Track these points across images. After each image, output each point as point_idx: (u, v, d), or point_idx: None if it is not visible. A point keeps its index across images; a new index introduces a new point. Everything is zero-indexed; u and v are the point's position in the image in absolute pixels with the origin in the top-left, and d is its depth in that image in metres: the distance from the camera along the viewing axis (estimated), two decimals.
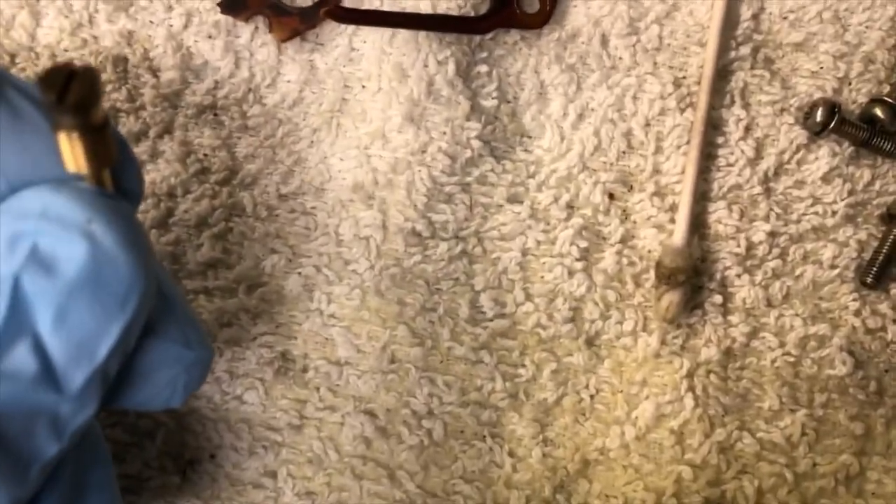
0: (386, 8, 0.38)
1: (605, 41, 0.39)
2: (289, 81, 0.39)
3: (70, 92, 0.21)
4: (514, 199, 0.39)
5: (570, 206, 0.39)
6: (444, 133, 0.38)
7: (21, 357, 0.22)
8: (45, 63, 0.38)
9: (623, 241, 0.39)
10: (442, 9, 0.38)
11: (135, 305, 0.22)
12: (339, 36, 0.39)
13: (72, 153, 0.22)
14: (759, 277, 0.39)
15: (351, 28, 0.39)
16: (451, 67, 0.38)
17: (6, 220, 0.22)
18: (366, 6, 0.38)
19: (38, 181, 0.23)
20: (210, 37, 0.38)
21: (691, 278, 0.38)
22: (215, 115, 0.38)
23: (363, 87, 0.39)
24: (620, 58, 0.39)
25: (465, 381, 0.39)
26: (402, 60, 0.38)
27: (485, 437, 0.39)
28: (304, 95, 0.39)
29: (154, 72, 0.38)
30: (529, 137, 0.39)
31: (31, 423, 0.22)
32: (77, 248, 0.22)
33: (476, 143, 0.38)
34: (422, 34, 0.38)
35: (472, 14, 0.38)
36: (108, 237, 0.22)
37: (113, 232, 0.22)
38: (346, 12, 0.37)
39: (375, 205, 0.38)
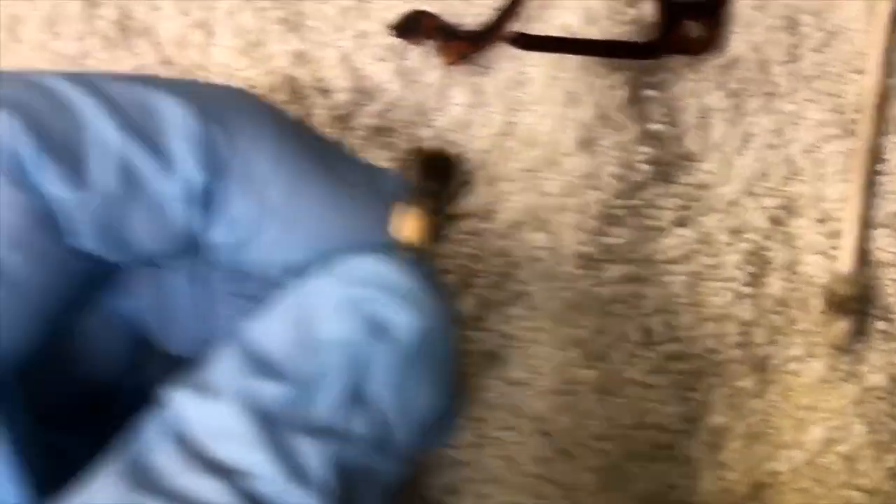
0: (563, 35, 0.38)
1: (765, 67, 0.40)
2: (456, 104, 0.39)
3: (440, 178, 0.22)
4: (680, 223, 0.39)
5: (735, 231, 0.39)
6: (615, 157, 0.38)
7: (357, 422, 0.22)
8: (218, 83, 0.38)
9: (788, 266, 0.39)
10: (611, 35, 0.39)
11: (452, 370, 0.23)
12: (505, 60, 0.39)
13: (411, 226, 0.23)
14: None
15: (517, 53, 0.39)
16: (621, 92, 0.38)
17: (336, 285, 0.22)
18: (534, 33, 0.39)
19: (365, 246, 0.23)
20: (381, 59, 0.39)
21: (862, 305, 0.38)
22: (386, 137, 0.38)
23: (531, 110, 0.39)
24: (780, 84, 0.40)
25: (640, 404, 0.38)
26: (573, 85, 0.38)
27: (659, 460, 0.38)
28: (471, 118, 0.39)
29: (325, 93, 0.38)
30: (693, 162, 0.40)
31: (367, 487, 0.22)
32: (408, 317, 0.22)
33: (645, 167, 0.38)
34: (594, 60, 0.38)
35: (641, 40, 0.39)
36: (432, 307, 0.23)
37: (437, 302, 0.23)
38: (530, 39, 0.37)
39: (547, 227, 0.38)
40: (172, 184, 0.21)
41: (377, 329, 0.22)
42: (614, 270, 0.38)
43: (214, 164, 0.21)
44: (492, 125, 0.39)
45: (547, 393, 0.38)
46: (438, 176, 0.22)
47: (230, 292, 0.26)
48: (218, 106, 0.22)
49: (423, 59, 0.39)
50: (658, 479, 0.38)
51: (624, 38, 0.38)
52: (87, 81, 0.21)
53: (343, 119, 0.38)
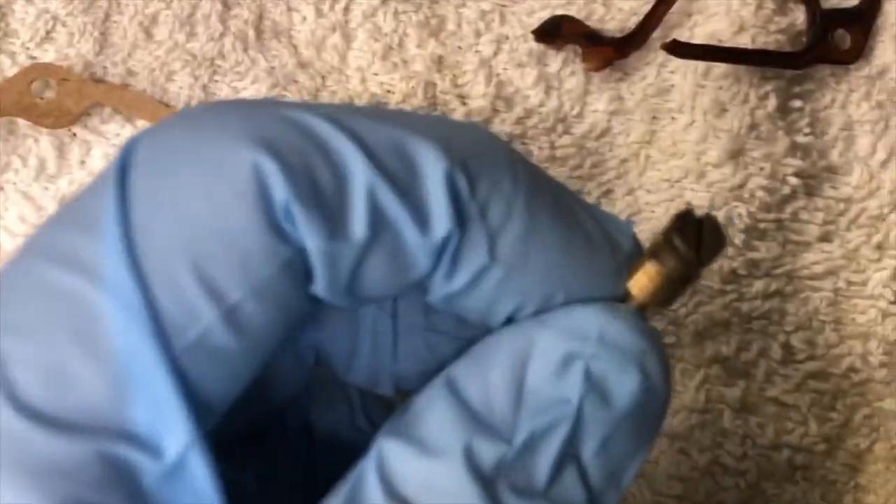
0: (712, 43, 0.37)
1: None
2: (595, 111, 0.38)
3: (703, 247, 0.21)
4: (824, 238, 0.38)
5: (880, 247, 0.38)
6: (763, 169, 0.37)
7: (569, 482, 0.21)
8: (355, 86, 0.37)
9: None
10: (760, 43, 0.37)
11: (656, 434, 0.22)
12: (646, 66, 0.38)
13: (645, 285, 0.22)
14: None
15: (660, 59, 0.38)
16: (771, 102, 0.37)
17: (560, 338, 0.21)
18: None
19: (592, 299, 0.22)
20: (520, 65, 0.38)
21: None
22: (524, 144, 0.38)
23: (673, 118, 0.38)
24: None
25: (779, 423, 0.37)
26: (721, 94, 0.37)
27: (797, 481, 0.37)
28: (611, 126, 0.38)
29: (463, 99, 0.37)
30: (838, 175, 0.38)
31: None
32: (632, 379, 0.21)
33: (793, 180, 0.37)
34: (741, 68, 0.37)
35: (789, 49, 0.38)
36: (656, 370, 0.21)
37: (661, 366, 0.21)
38: (684, 47, 0.36)
39: None
40: (425, 238, 0.20)
41: (599, 390, 0.21)
42: (758, 286, 0.37)
43: (460, 214, 0.20)
44: (633, 133, 0.38)
45: (686, 410, 0.37)
46: (691, 239, 0.20)
47: (417, 325, 0.25)
48: (464, 148, 0.21)
49: (563, 65, 0.38)
50: (796, 501, 0.37)
51: (772, 46, 0.37)
52: (344, 121, 0.20)
53: (481, 126, 0.37)
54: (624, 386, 0.21)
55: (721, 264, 0.37)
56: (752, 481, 0.37)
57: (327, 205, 0.19)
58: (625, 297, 0.22)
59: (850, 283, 0.38)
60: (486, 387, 0.21)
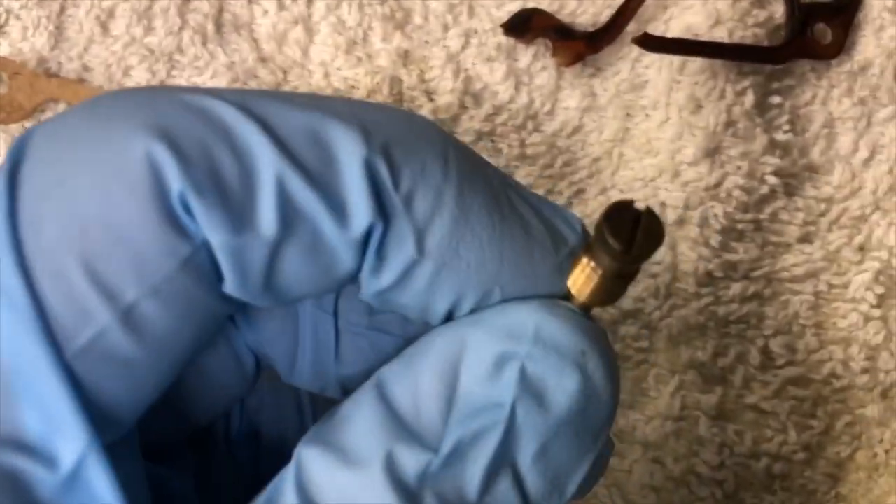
0: (687, 36, 0.36)
1: None
2: (567, 108, 0.37)
3: (636, 242, 0.19)
4: (804, 239, 0.37)
5: (862, 249, 0.37)
6: (740, 167, 0.36)
7: (504, 491, 0.19)
8: (317, 81, 0.36)
9: None
10: (737, 37, 0.36)
11: (604, 439, 0.21)
12: (620, 61, 0.37)
13: (584, 284, 0.20)
14: None
15: (634, 53, 0.37)
16: (749, 98, 0.36)
17: (493, 338, 0.20)
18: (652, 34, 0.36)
19: (528, 298, 0.20)
20: (489, 59, 0.36)
21: None
22: (493, 141, 0.36)
23: (647, 115, 0.37)
24: None
25: (757, 431, 0.36)
26: (696, 90, 0.36)
27: (776, 490, 0.36)
28: (583, 123, 0.37)
29: (430, 95, 0.36)
30: (819, 174, 0.37)
31: None
32: (570, 380, 0.20)
33: (772, 179, 0.36)
34: (717, 63, 0.36)
35: (768, 43, 0.36)
36: (598, 372, 0.20)
37: (604, 366, 0.20)
38: (656, 41, 0.35)
39: (665, 241, 0.36)
40: (344, 231, 0.19)
41: (535, 393, 0.19)
42: (735, 288, 0.36)
43: (382, 206, 0.19)
44: (606, 130, 0.37)
45: (660, 418, 0.36)
46: (623, 233, 0.19)
47: (360, 324, 0.24)
48: (388, 134, 0.19)
49: (534, 59, 0.36)
50: None
51: (750, 40, 0.36)
52: (254, 107, 0.18)
53: (448, 123, 0.36)
54: (561, 388, 0.19)
55: (697, 266, 0.36)
56: (729, 491, 0.36)
57: (231, 196, 0.18)
58: (567, 295, 0.21)
59: (830, 285, 0.37)
60: (415, 391, 0.20)
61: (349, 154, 0.18)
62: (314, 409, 0.27)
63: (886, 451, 0.37)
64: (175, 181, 0.17)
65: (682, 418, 0.36)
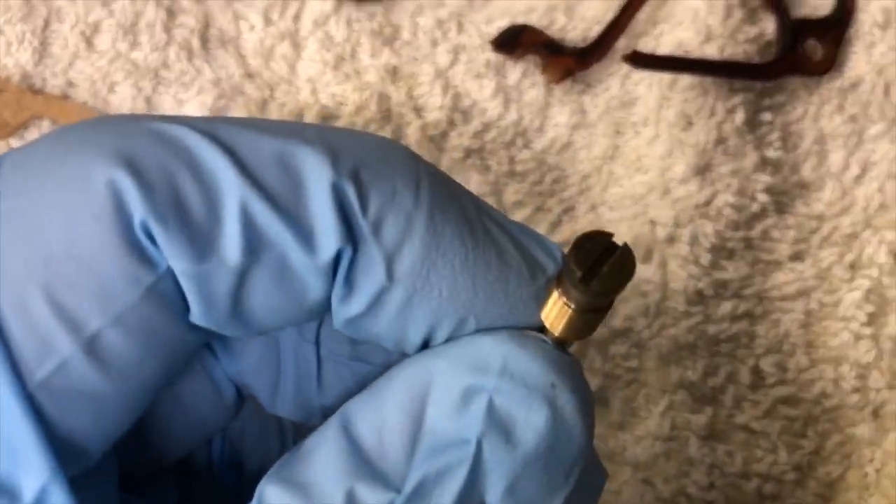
0: (677, 52, 0.36)
1: (887, 90, 0.37)
2: (556, 125, 0.36)
3: (599, 275, 0.18)
4: (795, 257, 0.37)
5: (853, 267, 0.37)
6: (730, 185, 0.36)
7: None
8: (305, 98, 0.36)
9: None
10: (727, 54, 0.36)
11: (577, 476, 0.20)
12: (609, 77, 0.37)
13: (556, 317, 0.20)
14: None
15: (624, 70, 0.36)
16: (739, 115, 0.36)
17: (460, 370, 0.19)
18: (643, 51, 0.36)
19: (499, 328, 0.20)
20: (478, 76, 0.36)
21: None
22: (482, 159, 0.36)
23: (637, 132, 0.36)
24: None
25: (747, 451, 0.36)
26: (687, 107, 0.36)
27: None
28: (573, 140, 0.36)
29: (419, 111, 0.36)
30: (810, 191, 0.37)
31: None
32: (538, 415, 0.19)
33: (763, 197, 0.36)
34: (708, 80, 0.36)
35: (758, 60, 0.36)
36: (569, 405, 0.19)
37: (575, 400, 0.19)
38: (645, 58, 0.34)
39: (655, 259, 0.36)
40: (311, 258, 0.18)
41: (500, 425, 0.19)
42: (726, 307, 0.36)
43: (351, 231, 0.18)
44: (595, 147, 0.36)
45: (650, 438, 0.35)
46: (587, 266, 0.18)
47: (342, 354, 0.23)
48: (356, 157, 0.19)
49: (523, 76, 0.36)
50: None
51: (741, 56, 0.36)
52: (220, 134, 0.18)
53: (437, 139, 0.36)
54: (530, 423, 0.19)
55: (686, 285, 0.35)
56: None
57: (195, 223, 0.17)
58: (542, 328, 0.20)
59: (822, 304, 0.36)
60: (381, 426, 0.19)
61: (317, 179, 0.18)
62: (296, 440, 0.26)
63: (877, 471, 0.36)
64: (137, 209, 0.17)
65: (672, 438, 0.36)
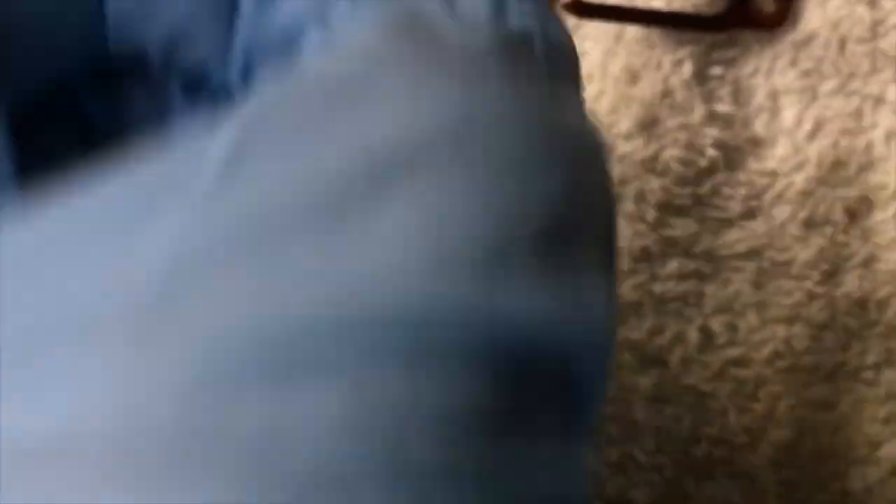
0: (624, 3, 0.35)
1: (842, 45, 0.36)
2: None
3: None
4: (747, 215, 0.36)
5: (807, 225, 0.36)
6: (677, 140, 0.35)
7: None
8: None
9: (865, 264, 0.36)
10: (676, 6, 0.35)
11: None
12: None
13: None
14: None
15: (571, 23, 0.35)
16: (687, 68, 0.35)
17: None
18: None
19: None
20: None
21: None
22: None
23: (584, 87, 0.35)
24: (860, 64, 0.36)
25: (697, 414, 0.35)
26: (633, 61, 0.35)
27: (717, 476, 0.35)
28: None
29: None
30: (762, 147, 0.36)
31: None
32: None
33: (712, 152, 0.35)
34: (655, 33, 0.35)
35: (708, 11, 0.35)
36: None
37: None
38: (586, 6, 0.34)
39: None
40: None
41: None
42: (672, 265, 0.35)
43: None
44: None
45: None
46: None
47: (187, 104, 0.23)
48: None
49: None
50: (716, 498, 0.35)
51: (690, 8, 0.35)
52: None
53: None
54: None
55: (632, 242, 0.34)
56: (667, 477, 0.35)
57: None
58: None
59: (774, 262, 0.36)
60: None
61: None
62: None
63: (832, 435, 0.35)
64: None
65: (616, 401, 0.35)
